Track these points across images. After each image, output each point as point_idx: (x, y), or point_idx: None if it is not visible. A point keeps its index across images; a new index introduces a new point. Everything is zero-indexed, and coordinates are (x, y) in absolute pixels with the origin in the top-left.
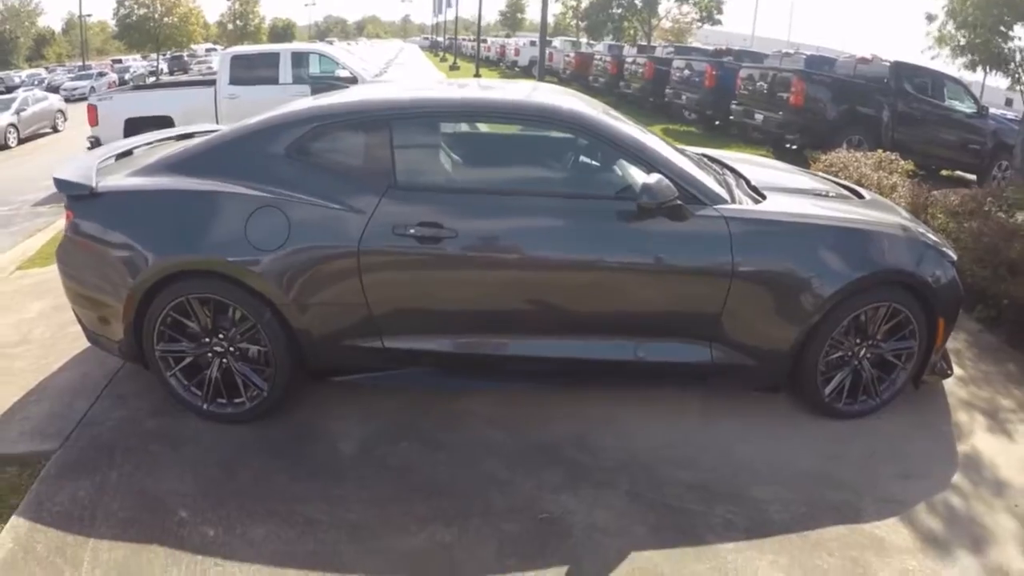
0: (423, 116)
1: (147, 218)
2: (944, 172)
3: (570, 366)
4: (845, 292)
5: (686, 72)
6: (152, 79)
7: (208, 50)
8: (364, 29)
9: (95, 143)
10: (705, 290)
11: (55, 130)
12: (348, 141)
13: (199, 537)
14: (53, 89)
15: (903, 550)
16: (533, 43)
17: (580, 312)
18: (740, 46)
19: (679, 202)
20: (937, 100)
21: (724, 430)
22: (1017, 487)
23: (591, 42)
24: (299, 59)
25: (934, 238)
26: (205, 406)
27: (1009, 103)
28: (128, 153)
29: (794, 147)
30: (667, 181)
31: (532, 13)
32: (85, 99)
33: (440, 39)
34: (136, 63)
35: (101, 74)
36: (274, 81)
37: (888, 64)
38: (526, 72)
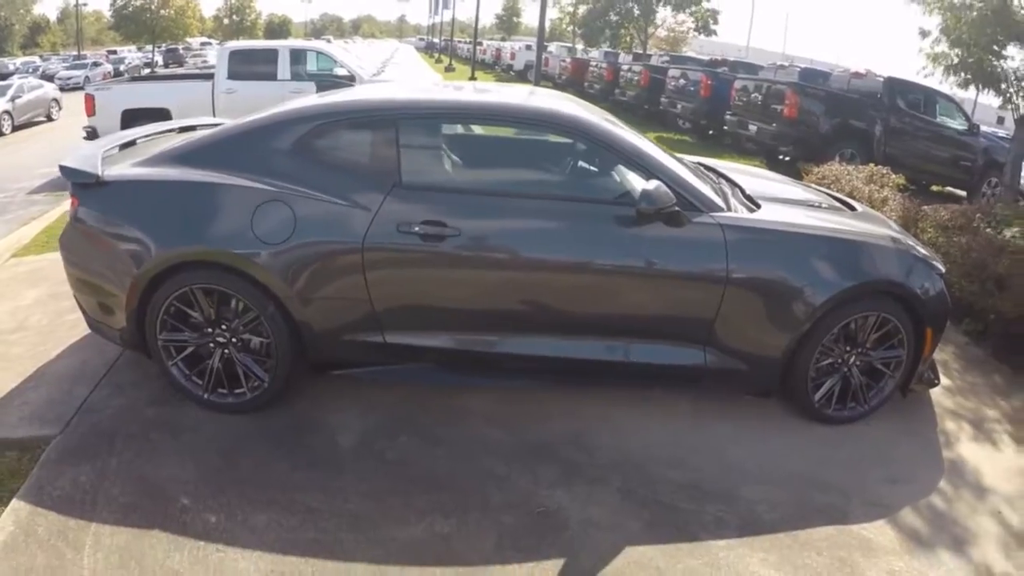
0: (429, 117)
1: (153, 208)
2: (935, 187)
3: (567, 366)
4: (836, 301)
5: (681, 81)
6: (147, 71)
7: (203, 44)
8: (360, 28)
9: (91, 133)
10: (700, 295)
11: (49, 119)
12: (355, 139)
13: (201, 523)
14: (47, 78)
15: (890, 551)
16: (529, 47)
17: (577, 313)
18: (735, 57)
19: (677, 208)
20: (929, 116)
21: (716, 432)
22: (1000, 493)
23: (587, 48)
24: (297, 56)
25: (923, 251)
26: (206, 396)
27: (1001, 121)
28: (131, 144)
29: (787, 159)
30: (665, 187)
31: (527, 17)
32: (79, 88)
33: (436, 40)
34: (131, 54)
35: (96, 64)
36: (272, 77)
37: (881, 79)
38: (521, 76)
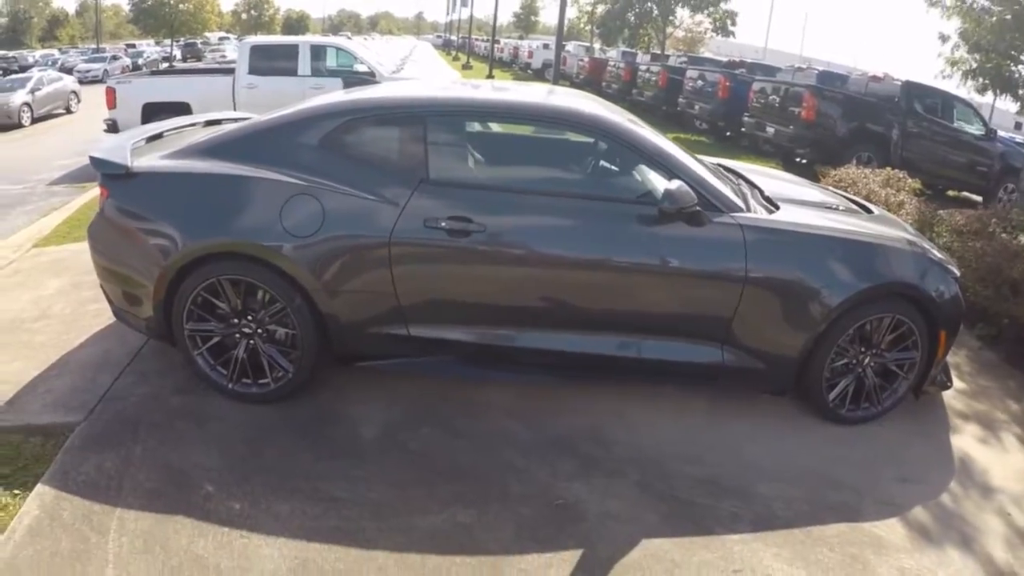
0: (456, 114)
1: (183, 199)
2: (951, 192)
3: (587, 361)
4: (852, 302)
5: (699, 83)
6: (165, 65)
7: (221, 39)
8: (377, 24)
9: (112, 126)
10: (719, 294)
11: (68, 111)
12: (383, 135)
13: (225, 510)
14: (66, 71)
15: (900, 549)
16: (546, 46)
17: (598, 310)
18: (752, 58)
19: (698, 208)
20: (946, 121)
21: (732, 430)
22: (1009, 495)
23: (604, 48)
24: (318, 52)
25: (939, 254)
26: (230, 385)
27: (1018, 127)
28: (158, 136)
29: (804, 161)
30: (687, 187)
31: (546, 16)
32: (98, 81)
33: (453, 38)
34: (150, 48)
35: (115, 58)
36: (292, 73)
37: (899, 83)
38: (539, 75)
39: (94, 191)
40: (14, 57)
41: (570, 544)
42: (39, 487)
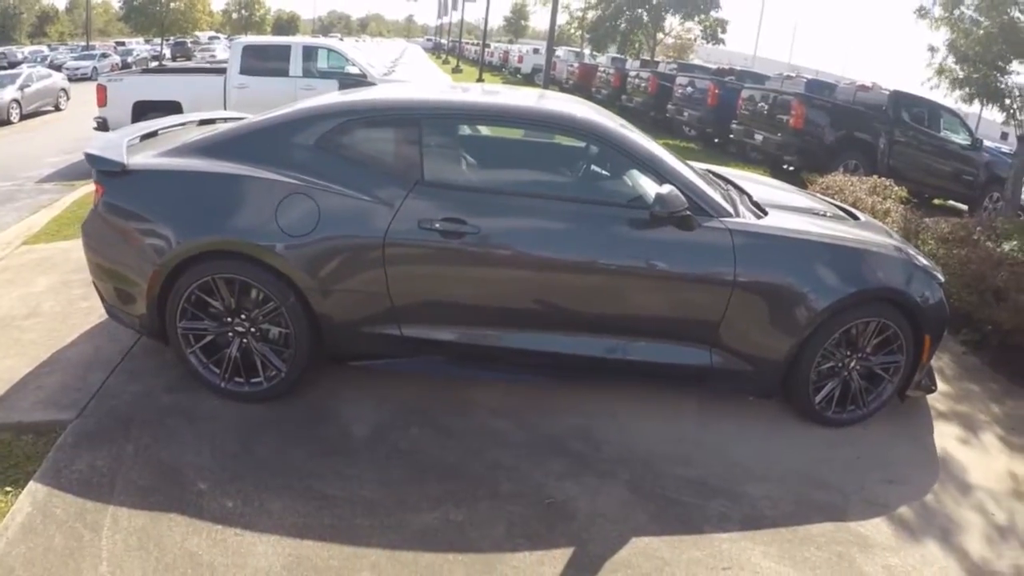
0: (451, 117)
1: (179, 198)
2: (936, 201)
3: (578, 362)
4: (838, 306)
5: (689, 89)
6: (155, 64)
7: (211, 38)
8: (367, 27)
9: (102, 124)
10: (707, 297)
11: (58, 108)
12: (379, 136)
13: (218, 508)
14: (55, 67)
15: (886, 548)
16: (536, 51)
17: (589, 312)
18: (741, 66)
19: (688, 213)
20: (933, 130)
21: (720, 431)
22: (992, 495)
23: (594, 53)
24: (310, 53)
25: (924, 260)
26: (223, 384)
27: (1005, 137)
28: (152, 134)
29: (791, 168)
30: (678, 192)
31: (536, 21)
32: (87, 79)
33: (443, 41)
34: (139, 46)
35: (104, 55)
36: (284, 73)
37: (887, 93)
38: (528, 79)
39: (84, 189)
40: (3, 53)
41: (561, 542)
42: (31, 485)
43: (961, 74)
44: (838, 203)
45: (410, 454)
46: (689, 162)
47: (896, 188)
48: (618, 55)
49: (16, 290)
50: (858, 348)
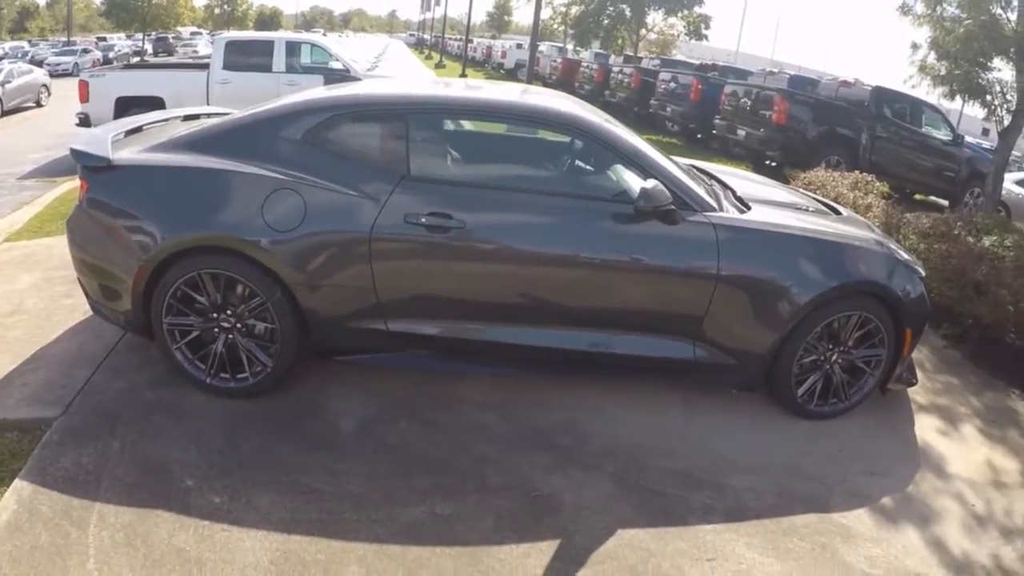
0: (437, 112)
1: (165, 193)
2: (918, 196)
3: (563, 356)
4: (820, 300)
5: (672, 85)
6: (136, 59)
7: (193, 33)
8: (350, 22)
9: (84, 120)
10: (691, 291)
11: (39, 104)
12: (365, 131)
13: (205, 504)
14: (36, 63)
15: (868, 538)
16: (519, 46)
17: (573, 306)
18: (724, 62)
19: (672, 207)
20: (915, 126)
21: (705, 424)
22: (972, 486)
23: (577, 48)
24: (293, 48)
25: (905, 255)
26: (208, 380)
27: (986, 133)
28: (137, 130)
29: (774, 164)
30: (662, 186)
31: (519, 16)
32: (68, 75)
33: (426, 37)
34: (121, 42)
35: (85, 51)
36: (267, 69)
37: (869, 89)
38: (511, 75)
39: (66, 185)
40: None
41: (548, 535)
42: (16, 482)
43: (943, 71)
44: (820, 198)
45: (397, 448)
46: (673, 157)
47: (878, 183)
48: (601, 51)
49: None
50: (840, 342)
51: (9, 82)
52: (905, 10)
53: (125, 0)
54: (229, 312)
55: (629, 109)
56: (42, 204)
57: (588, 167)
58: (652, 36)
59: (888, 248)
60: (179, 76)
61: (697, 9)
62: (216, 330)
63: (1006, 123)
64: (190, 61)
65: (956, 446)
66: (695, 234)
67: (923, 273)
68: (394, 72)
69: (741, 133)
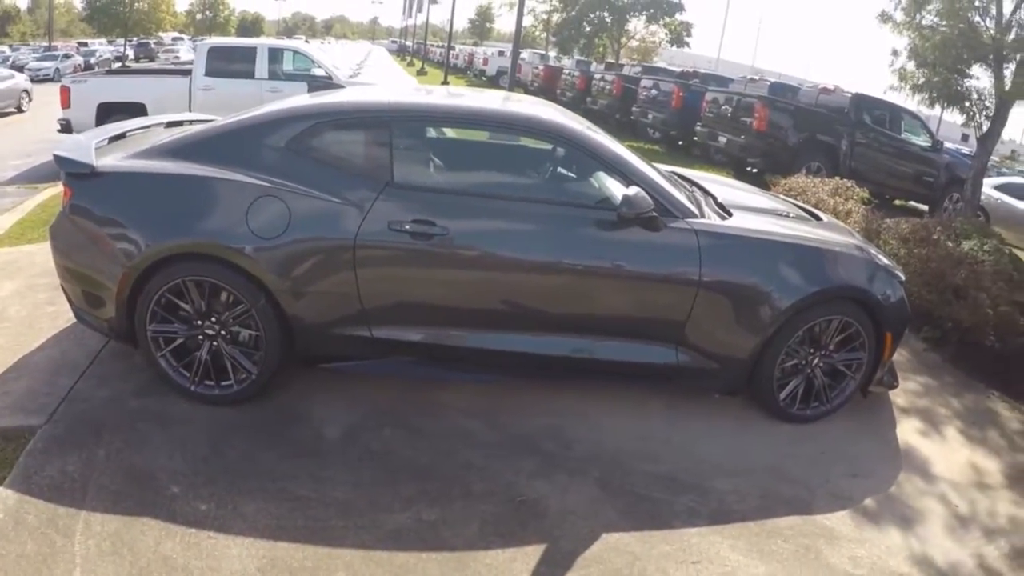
0: (421, 120)
1: (149, 200)
2: (897, 202)
3: (547, 362)
4: (801, 305)
5: (653, 92)
6: (118, 65)
7: (175, 39)
8: (332, 28)
9: (66, 126)
10: (673, 297)
11: (19, 110)
12: (349, 138)
13: (191, 511)
14: (17, 68)
15: (851, 539)
16: (501, 53)
17: (557, 312)
18: (705, 69)
19: (654, 214)
20: (894, 133)
21: (688, 428)
22: (954, 486)
23: (559, 56)
24: (275, 55)
25: (885, 260)
26: (193, 387)
27: (965, 139)
28: (121, 136)
29: (755, 170)
30: (644, 193)
31: (501, 23)
32: (50, 80)
33: (408, 43)
34: (102, 47)
35: (67, 56)
36: (250, 75)
37: (849, 96)
38: (493, 82)
39: (48, 192)
40: None
41: (533, 539)
42: (1, 491)
43: (922, 78)
44: (801, 204)
45: (382, 455)
46: (654, 164)
47: (858, 189)
48: (583, 58)
49: None
50: (821, 346)
51: None
52: (885, 18)
53: (107, 5)
54: (213, 319)
55: (611, 116)
56: (24, 211)
57: (571, 174)
58: (634, 43)
59: (868, 253)
60: (161, 82)
61: (679, 16)
62: (201, 337)
63: (984, 129)
64: (172, 67)
65: (937, 447)
66: (677, 240)
67: (903, 278)
68: (376, 79)
69: (722, 140)
